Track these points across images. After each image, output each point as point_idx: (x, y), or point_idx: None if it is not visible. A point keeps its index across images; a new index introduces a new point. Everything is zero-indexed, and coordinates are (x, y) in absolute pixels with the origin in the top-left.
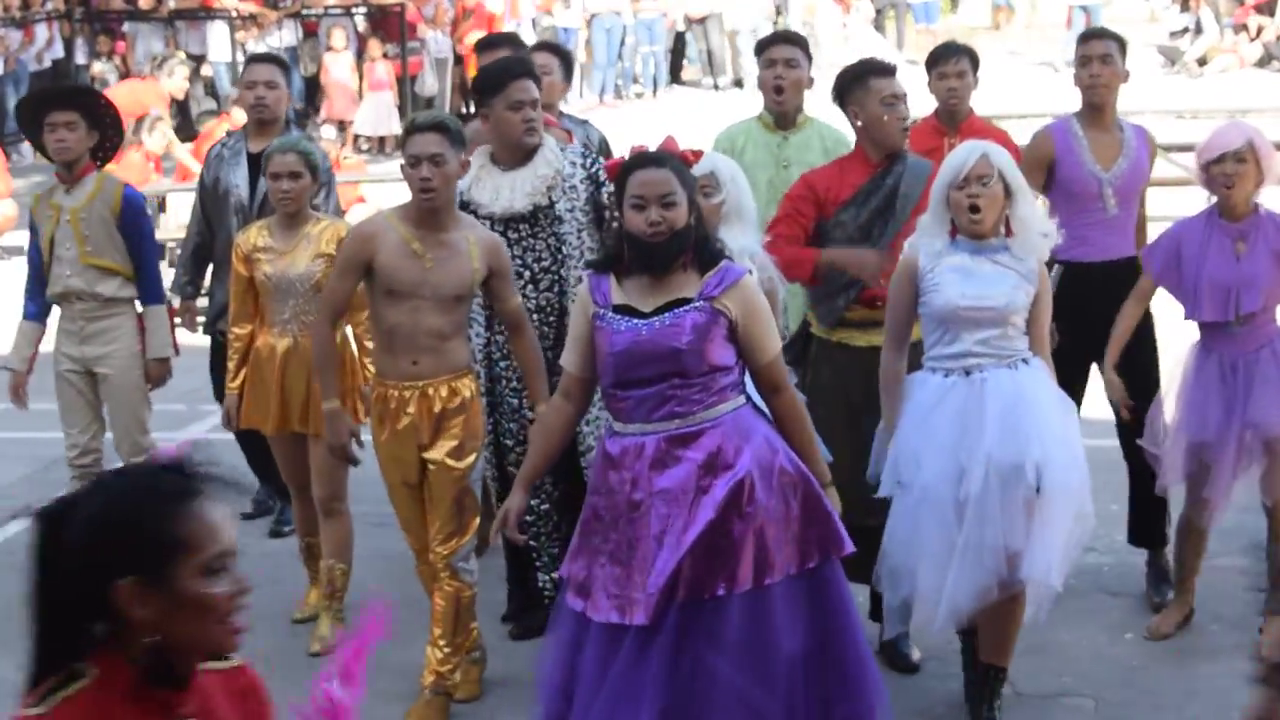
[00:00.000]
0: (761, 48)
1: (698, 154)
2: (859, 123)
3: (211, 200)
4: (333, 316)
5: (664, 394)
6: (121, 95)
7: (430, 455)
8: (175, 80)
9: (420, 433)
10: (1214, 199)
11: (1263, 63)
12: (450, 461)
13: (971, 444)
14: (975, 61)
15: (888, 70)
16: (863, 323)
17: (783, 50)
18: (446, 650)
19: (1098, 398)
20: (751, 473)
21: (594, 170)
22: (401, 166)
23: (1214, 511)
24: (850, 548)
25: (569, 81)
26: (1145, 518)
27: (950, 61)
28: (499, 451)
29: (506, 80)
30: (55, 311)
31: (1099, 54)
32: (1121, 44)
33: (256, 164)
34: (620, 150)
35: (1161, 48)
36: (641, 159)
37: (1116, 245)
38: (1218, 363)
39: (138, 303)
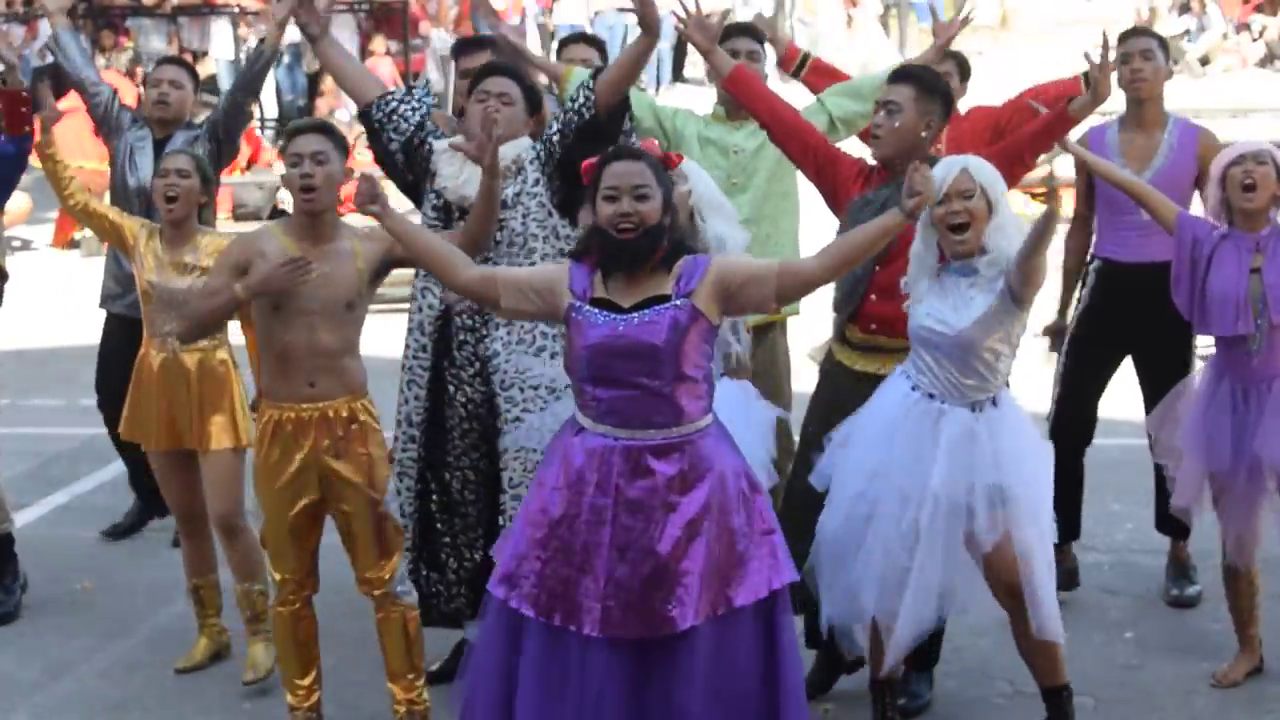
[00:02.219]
0: (722, 39)
1: (678, 157)
2: None
3: (121, 187)
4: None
5: (637, 400)
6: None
7: (343, 478)
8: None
9: (321, 456)
10: (1220, 222)
11: (1265, 62)
12: (360, 481)
13: (921, 474)
14: (964, 69)
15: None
16: (862, 346)
17: (744, 43)
18: (410, 677)
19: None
20: (719, 493)
21: (546, 138)
22: (281, 175)
23: (1244, 547)
24: (795, 575)
25: None
26: (1167, 505)
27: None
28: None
29: (483, 75)
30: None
31: (1140, 49)
32: (1162, 41)
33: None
34: None
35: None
36: (617, 152)
37: (1153, 249)
38: (1229, 390)
39: None
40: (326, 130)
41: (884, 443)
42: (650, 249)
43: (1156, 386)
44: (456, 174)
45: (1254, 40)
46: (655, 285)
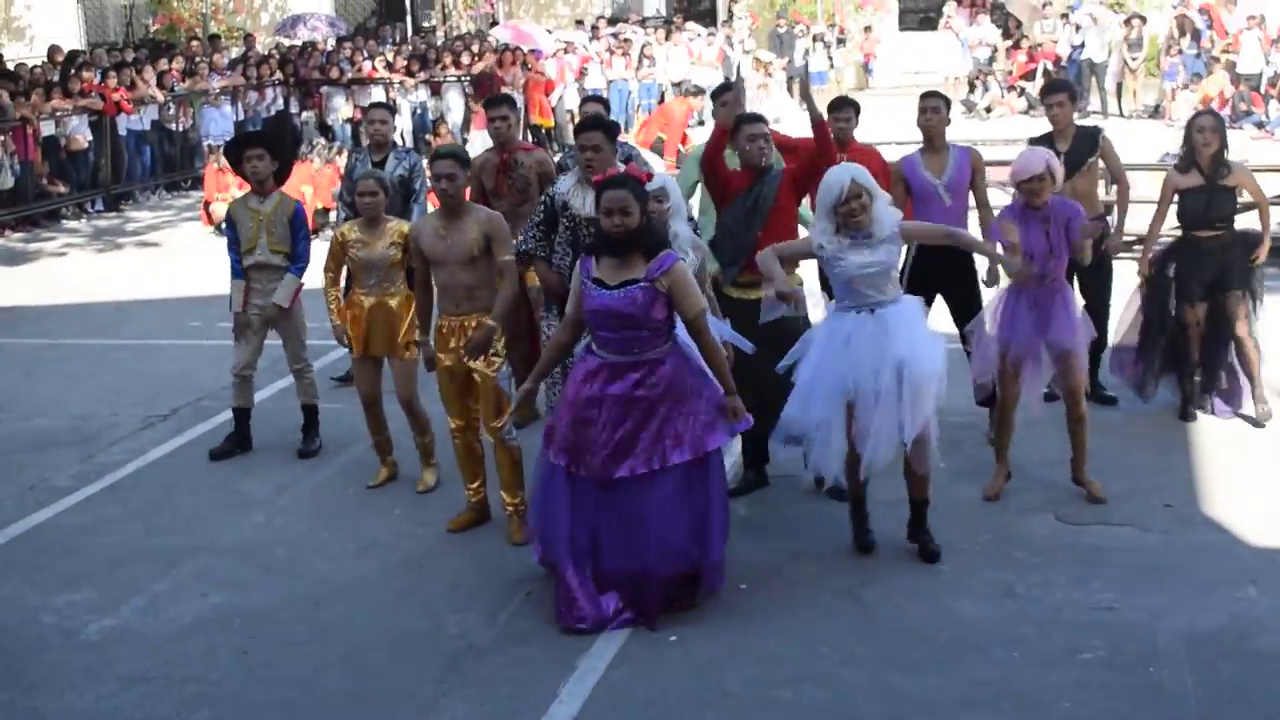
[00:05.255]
0: (715, 95)
1: (649, 174)
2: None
3: (349, 190)
4: (422, 281)
5: (622, 337)
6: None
7: (472, 365)
8: (317, 162)
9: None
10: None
11: (1025, 111)
12: (483, 369)
13: (885, 352)
14: (857, 109)
15: (752, 119)
16: (748, 284)
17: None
18: (514, 488)
19: (943, 316)
20: (672, 388)
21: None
22: (431, 179)
23: (1007, 406)
24: (720, 442)
25: (626, 132)
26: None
27: (841, 109)
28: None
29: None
30: None
31: (932, 106)
32: (947, 101)
33: (379, 168)
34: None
35: (964, 101)
36: (610, 182)
37: (953, 225)
38: (1029, 301)
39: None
40: (455, 156)
41: (844, 348)
42: (632, 242)
43: (955, 307)
44: (583, 202)
45: (1019, 97)
46: (633, 270)
